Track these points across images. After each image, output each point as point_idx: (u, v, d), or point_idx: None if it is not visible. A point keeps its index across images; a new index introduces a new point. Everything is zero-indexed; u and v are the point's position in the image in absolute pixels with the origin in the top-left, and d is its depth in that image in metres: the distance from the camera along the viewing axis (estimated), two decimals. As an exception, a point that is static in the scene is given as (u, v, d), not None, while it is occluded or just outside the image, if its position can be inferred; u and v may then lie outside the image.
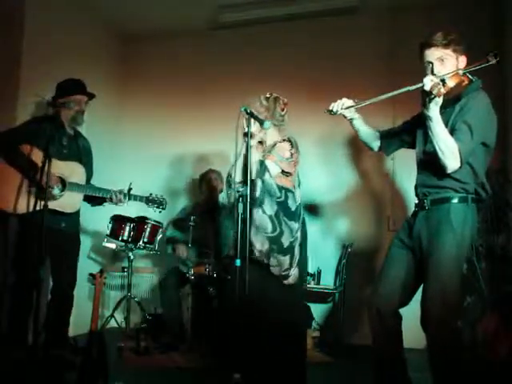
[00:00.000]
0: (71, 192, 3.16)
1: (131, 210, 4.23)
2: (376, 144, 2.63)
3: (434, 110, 2.12)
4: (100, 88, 4.76)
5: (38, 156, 2.97)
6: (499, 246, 3.34)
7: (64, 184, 3.14)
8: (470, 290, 3.18)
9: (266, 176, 2.63)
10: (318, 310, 4.22)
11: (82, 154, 3.34)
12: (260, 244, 2.58)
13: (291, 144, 2.71)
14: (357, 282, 4.21)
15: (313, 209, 4.39)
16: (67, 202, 3.14)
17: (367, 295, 2.47)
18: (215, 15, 4.58)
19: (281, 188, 2.65)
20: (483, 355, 2.62)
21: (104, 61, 4.90)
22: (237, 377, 2.26)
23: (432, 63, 2.25)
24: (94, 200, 3.40)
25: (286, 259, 2.60)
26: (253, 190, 2.57)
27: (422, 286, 2.29)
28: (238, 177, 2.69)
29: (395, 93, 2.24)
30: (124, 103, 5.09)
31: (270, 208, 2.61)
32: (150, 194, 3.54)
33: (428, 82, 2.09)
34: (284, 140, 2.72)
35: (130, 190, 3.40)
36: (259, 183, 2.63)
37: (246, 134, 2.54)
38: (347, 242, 4.26)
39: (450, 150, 2.13)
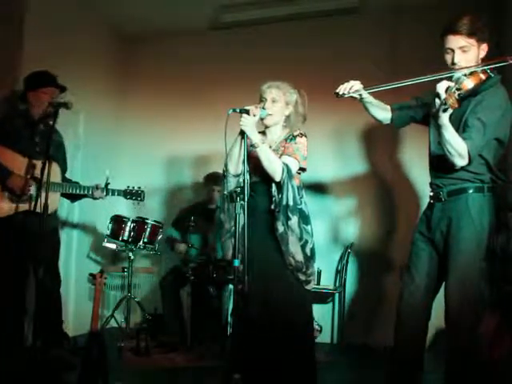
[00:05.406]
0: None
1: (131, 210, 4.23)
2: (386, 117, 2.57)
3: (444, 119, 2.10)
4: (100, 88, 4.80)
5: (8, 156, 2.89)
6: (499, 246, 3.33)
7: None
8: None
9: (292, 180, 2.50)
10: (317, 311, 4.21)
11: (54, 149, 3.13)
12: (299, 255, 2.51)
13: (307, 139, 2.64)
14: (357, 282, 4.21)
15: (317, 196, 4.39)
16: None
17: (397, 294, 2.44)
18: (216, 15, 4.58)
19: (297, 188, 2.54)
20: (483, 355, 2.62)
21: (104, 61, 4.90)
22: (237, 377, 2.26)
23: (454, 51, 2.22)
24: (73, 196, 3.32)
25: (312, 265, 2.59)
26: (283, 195, 2.46)
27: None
28: (233, 169, 2.61)
29: (408, 82, 2.24)
30: (124, 103, 5.09)
31: (297, 214, 2.51)
32: (128, 187, 3.47)
33: (442, 89, 2.05)
34: (302, 135, 2.63)
35: (107, 184, 3.31)
36: (290, 189, 2.48)
37: (242, 132, 2.51)
38: (347, 242, 4.26)
39: (457, 152, 2.14)
